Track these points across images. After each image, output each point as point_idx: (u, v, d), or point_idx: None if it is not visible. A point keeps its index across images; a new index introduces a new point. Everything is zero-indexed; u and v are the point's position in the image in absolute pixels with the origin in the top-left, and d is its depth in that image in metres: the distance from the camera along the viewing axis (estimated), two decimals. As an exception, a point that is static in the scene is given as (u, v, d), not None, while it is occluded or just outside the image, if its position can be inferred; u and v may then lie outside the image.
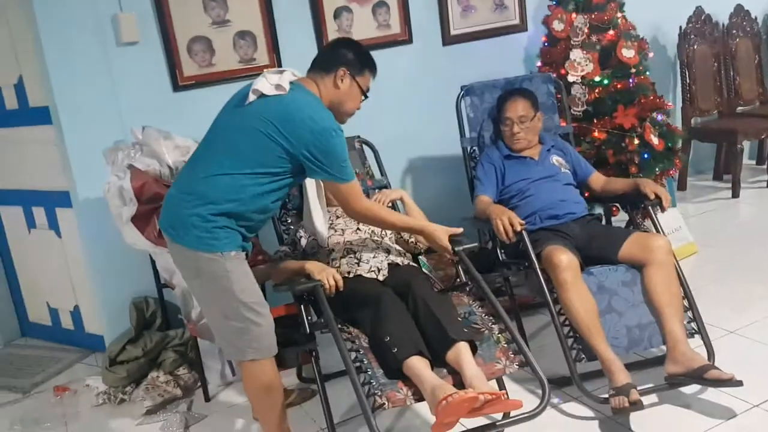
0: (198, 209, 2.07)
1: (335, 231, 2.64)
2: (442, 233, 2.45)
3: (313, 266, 2.38)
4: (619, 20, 3.66)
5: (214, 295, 2.12)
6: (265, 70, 2.23)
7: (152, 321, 3.21)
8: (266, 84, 2.13)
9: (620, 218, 3.57)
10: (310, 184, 2.54)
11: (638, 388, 2.33)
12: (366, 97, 2.32)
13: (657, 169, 3.59)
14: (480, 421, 2.19)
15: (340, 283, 2.33)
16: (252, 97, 2.13)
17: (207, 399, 2.94)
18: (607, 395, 2.37)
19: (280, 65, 3.38)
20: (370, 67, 2.31)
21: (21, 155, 3.49)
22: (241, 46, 3.31)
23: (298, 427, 2.47)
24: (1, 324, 3.82)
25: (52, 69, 3.00)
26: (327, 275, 2.32)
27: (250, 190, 2.09)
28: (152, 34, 3.16)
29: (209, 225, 2.06)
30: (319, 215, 2.54)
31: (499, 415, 2.30)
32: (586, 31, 3.59)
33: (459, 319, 2.31)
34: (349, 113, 2.30)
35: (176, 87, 3.23)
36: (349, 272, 2.47)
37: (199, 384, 2.99)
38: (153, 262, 2.98)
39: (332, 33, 3.49)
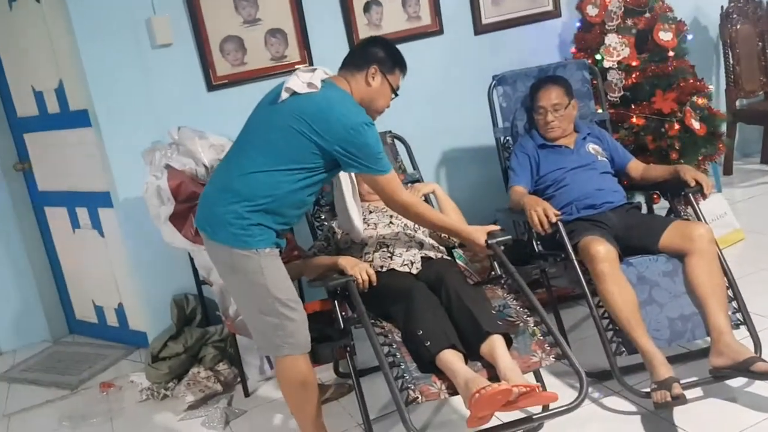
0: (233, 206, 2.10)
1: (368, 225, 2.64)
2: (478, 234, 2.43)
3: (346, 261, 2.39)
4: (656, 3, 3.56)
5: (248, 291, 2.15)
6: (297, 68, 2.25)
7: (192, 317, 3.26)
8: (298, 82, 2.16)
9: (662, 206, 3.48)
10: (344, 180, 2.55)
11: (681, 381, 2.27)
12: (396, 95, 2.34)
13: (699, 155, 3.50)
14: (517, 414, 2.18)
15: (373, 277, 2.34)
16: (284, 95, 2.16)
17: (246, 394, 2.98)
18: (649, 389, 2.31)
19: (311, 61, 3.39)
20: (401, 65, 2.33)
21: (64, 157, 3.58)
22: (272, 43, 3.33)
23: (334, 422, 2.48)
24: (50, 322, 3.93)
25: (90, 73, 3.08)
26: (360, 270, 2.33)
27: (285, 186, 2.12)
28: (185, 36, 3.20)
29: (244, 222, 2.09)
30: (355, 211, 2.55)
31: (536, 409, 2.28)
32: (620, 15, 3.51)
33: (493, 311, 2.28)
34: (379, 111, 2.33)
35: (210, 87, 3.27)
36: (382, 266, 2.46)
37: (238, 379, 3.03)
38: (192, 260, 3.02)
39: (362, 27, 3.48)
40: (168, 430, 2.82)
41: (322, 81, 2.18)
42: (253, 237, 2.10)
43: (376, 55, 2.27)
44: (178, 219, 2.78)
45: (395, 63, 2.30)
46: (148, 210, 2.86)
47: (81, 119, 3.30)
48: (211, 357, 3.09)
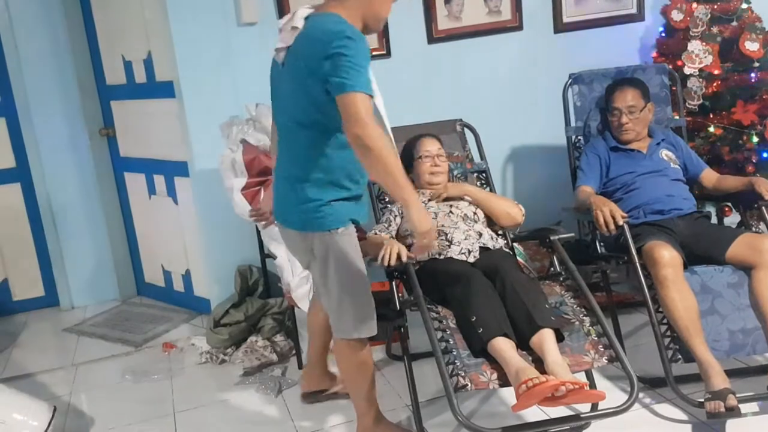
0: (296, 191, 2.08)
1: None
2: (420, 215, 1.98)
3: (389, 241, 2.39)
4: (745, 12, 3.47)
5: (329, 273, 2.11)
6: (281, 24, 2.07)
7: (255, 288, 3.37)
8: (286, 36, 2.01)
9: (732, 221, 3.39)
10: None
11: (737, 394, 2.23)
12: None
13: (777, 170, 3.40)
14: (564, 411, 2.18)
15: (403, 257, 2.32)
16: (281, 56, 2.03)
17: (300, 366, 3.06)
18: (702, 399, 2.28)
19: (389, 52, 3.43)
20: None
21: (147, 126, 3.74)
22: (354, 29, 3.38)
23: (384, 401, 2.52)
24: (120, 283, 4.12)
25: (177, 46, 3.21)
26: (391, 247, 2.31)
27: (326, 150, 2.01)
28: (270, 16, 3.30)
29: (312, 205, 2.05)
30: None
31: (585, 408, 2.28)
32: (706, 21, 3.43)
33: (547, 306, 2.28)
34: (383, 17, 2.10)
35: (289, 67, 3.35)
36: (440, 254, 2.49)
37: (293, 351, 3.12)
38: (258, 233, 3.12)
39: (441, 18, 3.49)
40: (224, 392, 2.92)
41: (305, 18, 1.99)
42: (326, 218, 2.06)
43: None
44: (249, 192, 2.88)
45: None
46: (222, 181, 2.98)
47: (166, 90, 3.43)
48: (269, 328, 3.20)
